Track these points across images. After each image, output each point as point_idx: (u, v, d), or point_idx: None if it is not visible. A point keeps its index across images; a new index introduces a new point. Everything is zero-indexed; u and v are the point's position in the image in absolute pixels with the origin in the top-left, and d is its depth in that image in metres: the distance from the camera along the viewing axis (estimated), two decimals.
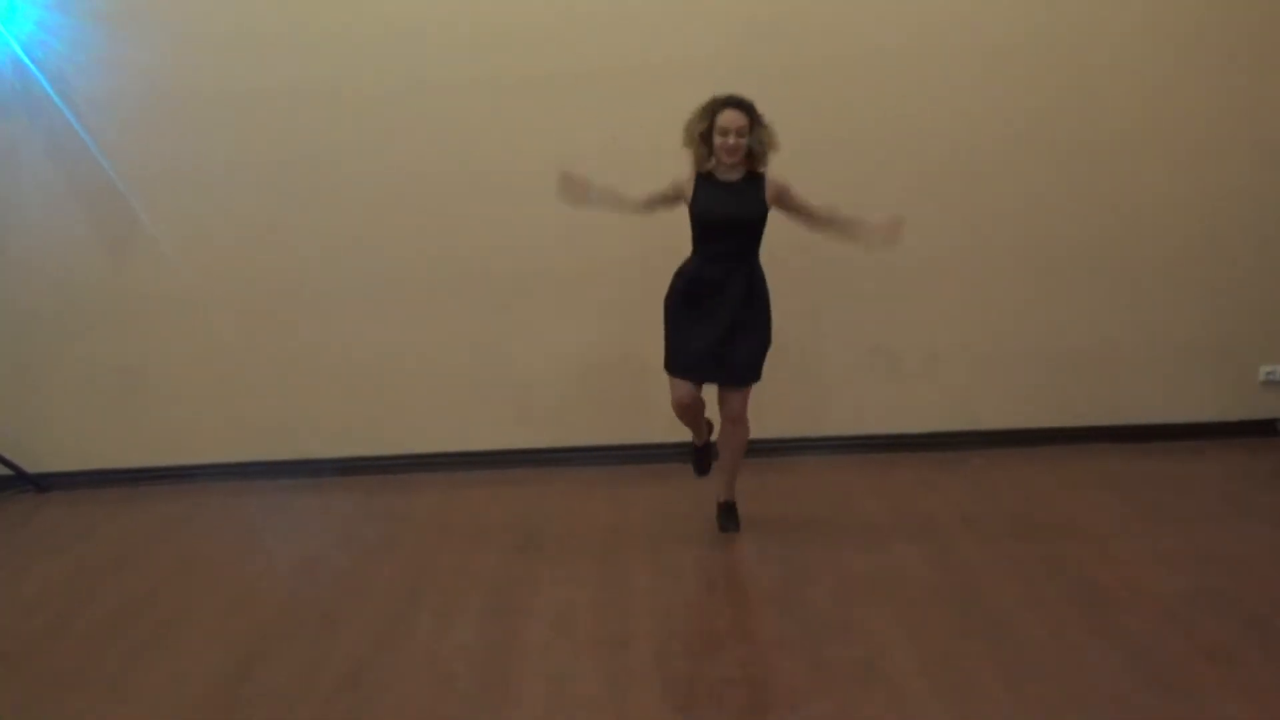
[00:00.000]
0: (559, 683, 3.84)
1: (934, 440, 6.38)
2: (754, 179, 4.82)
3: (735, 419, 4.96)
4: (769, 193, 4.80)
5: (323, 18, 6.04)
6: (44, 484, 6.34)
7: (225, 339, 6.29)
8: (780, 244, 5.75)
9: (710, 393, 4.99)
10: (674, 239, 4.91)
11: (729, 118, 4.68)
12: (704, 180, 4.83)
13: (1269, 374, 6.42)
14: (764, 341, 4.89)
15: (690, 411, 4.96)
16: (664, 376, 4.94)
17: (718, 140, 4.71)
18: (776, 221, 4.93)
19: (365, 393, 6.34)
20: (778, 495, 5.71)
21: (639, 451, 6.26)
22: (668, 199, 4.88)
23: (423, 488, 6.12)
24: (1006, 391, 6.41)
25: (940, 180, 6.22)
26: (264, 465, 6.36)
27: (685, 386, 4.87)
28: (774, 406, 6.01)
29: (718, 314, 4.80)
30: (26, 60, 5.95)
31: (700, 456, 5.34)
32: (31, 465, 6.36)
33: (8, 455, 6.31)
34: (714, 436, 5.24)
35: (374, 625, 4.34)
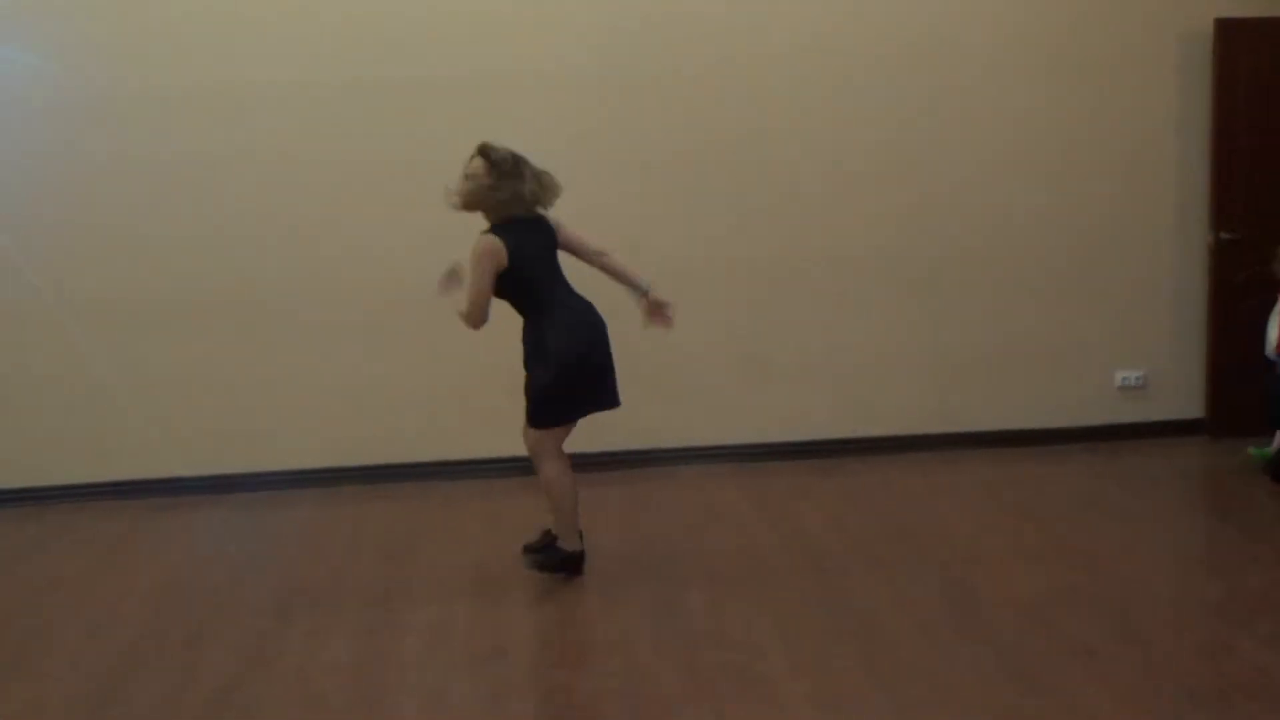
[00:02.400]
0: (435, 697, 3.77)
1: (808, 448, 6.42)
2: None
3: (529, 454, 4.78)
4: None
5: (188, 23, 5.93)
6: None
7: (83, 355, 6.07)
8: (647, 254, 5.80)
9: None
10: None
11: (470, 165, 4.56)
12: (507, 233, 4.53)
13: (1124, 380, 6.61)
14: (529, 387, 4.70)
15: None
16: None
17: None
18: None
19: (233, 409, 6.17)
20: (653, 504, 5.73)
21: (510, 464, 6.16)
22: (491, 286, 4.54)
23: (294, 504, 5.98)
24: (877, 400, 6.49)
25: (815, 194, 6.31)
26: (127, 485, 6.14)
27: (565, 433, 4.72)
28: (650, 418, 6.03)
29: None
30: None
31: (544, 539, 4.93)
32: None
33: None
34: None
35: (243, 644, 4.21)
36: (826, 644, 4.03)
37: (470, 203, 4.57)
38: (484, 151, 4.56)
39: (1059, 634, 4.02)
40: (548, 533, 4.89)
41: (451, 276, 4.61)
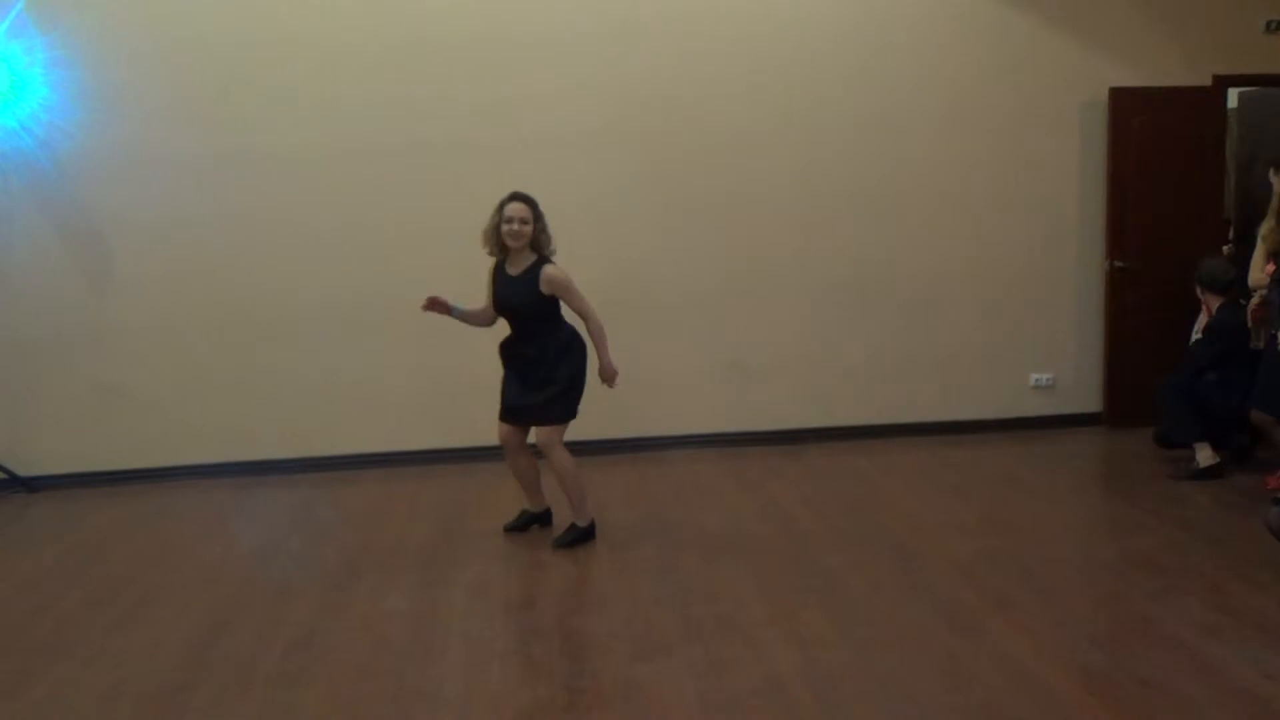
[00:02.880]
0: (477, 639, 3.78)
1: (778, 436, 6.42)
2: (536, 270, 4.53)
3: (544, 448, 4.65)
4: (543, 284, 4.50)
5: (273, 95, 5.96)
6: (35, 485, 6.04)
7: (192, 358, 6.08)
8: (649, 271, 5.80)
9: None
10: None
11: (513, 209, 4.48)
12: (499, 270, 4.62)
13: (1036, 380, 6.61)
14: (554, 394, 4.57)
15: (508, 449, 4.76)
16: None
17: (504, 228, 4.48)
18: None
19: (312, 403, 6.18)
20: (653, 482, 5.71)
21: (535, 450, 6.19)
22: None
23: (362, 482, 5.97)
24: (837, 396, 6.49)
25: (787, 230, 6.31)
26: (226, 466, 6.14)
27: (501, 427, 4.73)
28: (648, 409, 6.04)
29: (517, 373, 4.65)
30: (26, 133, 5.79)
31: (521, 515, 4.98)
32: (24, 469, 6.04)
33: (2, 460, 6.01)
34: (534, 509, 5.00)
35: (321, 596, 4.23)
36: (795, 596, 4.04)
37: (519, 240, 4.49)
38: (525, 197, 4.54)
39: (984, 589, 4.02)
40: (522, 513, 4.96)
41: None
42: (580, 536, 4.74)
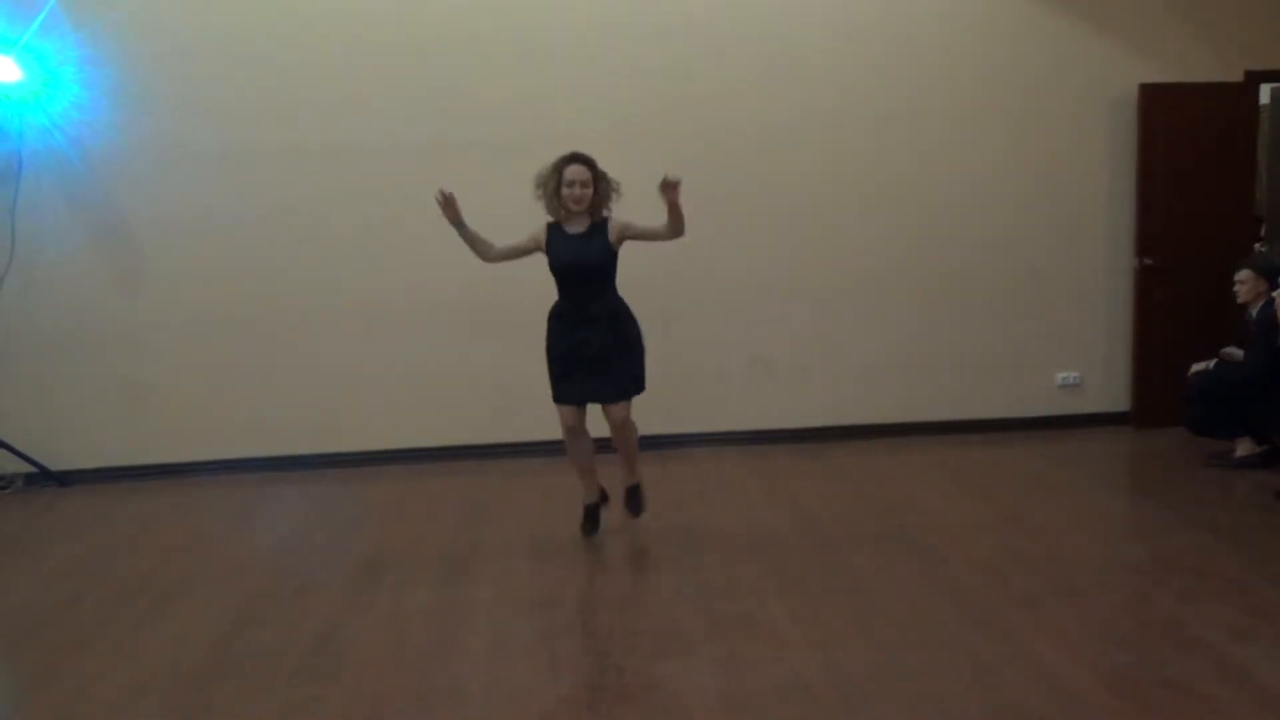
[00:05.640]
0: (500, 637, 3.80)
1: (802, 434, 6.41)
2: (599, 227, 4.50)
3: (620, 425, 4.58)
4: (612, 235, 4.47)
5: (300, 92, 6.00)
6: (64, 479, 6.11)
7: (218, 354, 6.14)
8: (672, 270, 5.79)
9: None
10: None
11: (573, 171, 4.42)
12: (556, 232, 4.52)
13: (1063, 379, 6.57)
14: (634, 360, 4.57)
15: (576, 436, 4.61)
16: None
17: (565, 191, 4.41)
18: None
19: (337, 400, 6.22)
20: (677, 479, 5.70)
21: (559, 446, 6.19)
22: (526, 250, 4.55)
23: (385, 477, 6.01)
24: (860, 394, 6.47)
25: (811, 228, 6.31)
26: (251, 461, 6.19)
27: (569, 411, 4.57)
28: (672, 407, 6.02)
29: (586, 346, 4.49)
30: (57, 130, 5.86)
31: (591, 513, 4.80)
32: (53, 463, 6.12)
33: (33, 455, 6.08)
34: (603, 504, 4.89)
35: (344, 592, 4.26)
36: (817, 595, 4.03)
37: (583, 205, 4.42)
38: (584, 158, 4.46)
39: (1008, 589, 4.00)
40: (589, 510, 4.82)
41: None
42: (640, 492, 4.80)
